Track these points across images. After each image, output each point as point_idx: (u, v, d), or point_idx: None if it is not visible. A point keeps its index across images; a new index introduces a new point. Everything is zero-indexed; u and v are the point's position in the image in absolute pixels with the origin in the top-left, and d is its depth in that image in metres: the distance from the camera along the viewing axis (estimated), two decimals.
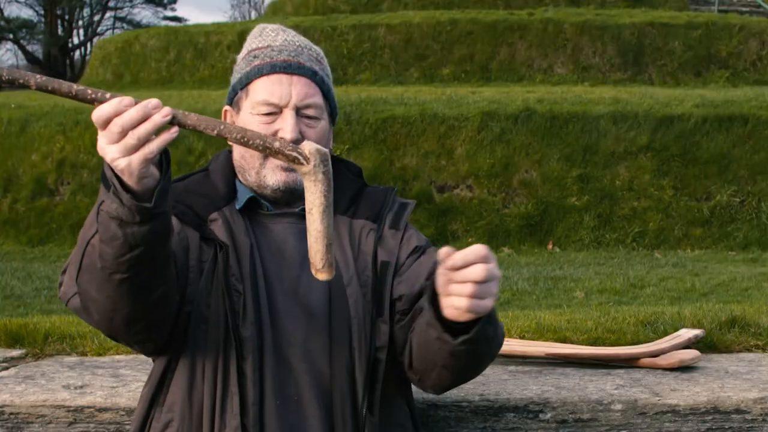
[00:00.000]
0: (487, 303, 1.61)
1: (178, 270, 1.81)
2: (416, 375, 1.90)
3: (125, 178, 1.53)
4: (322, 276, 1.56)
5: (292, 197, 1.97)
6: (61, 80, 1.47)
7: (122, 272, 1.62)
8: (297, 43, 2.02)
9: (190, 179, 2.03)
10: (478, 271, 1.57)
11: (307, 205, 1.55)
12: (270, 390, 1.84)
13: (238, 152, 2.00)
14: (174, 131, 1.51)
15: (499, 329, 1.83)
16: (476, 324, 1.67)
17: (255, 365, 1.83)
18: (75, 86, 1.47)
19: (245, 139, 1.51)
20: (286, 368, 1.86)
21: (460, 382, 1.95)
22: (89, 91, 1.47)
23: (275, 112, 1.95)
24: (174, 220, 1.84)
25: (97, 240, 1.63)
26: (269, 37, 2.03)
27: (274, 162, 1.94)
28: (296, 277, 1.91)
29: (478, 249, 1.58)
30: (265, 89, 1.96)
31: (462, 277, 1.58)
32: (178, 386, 1.87)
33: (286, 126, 1.92)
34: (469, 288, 1.58)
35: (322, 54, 2.07)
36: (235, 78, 2.04)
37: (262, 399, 1.83)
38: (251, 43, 2.05)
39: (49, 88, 1.46)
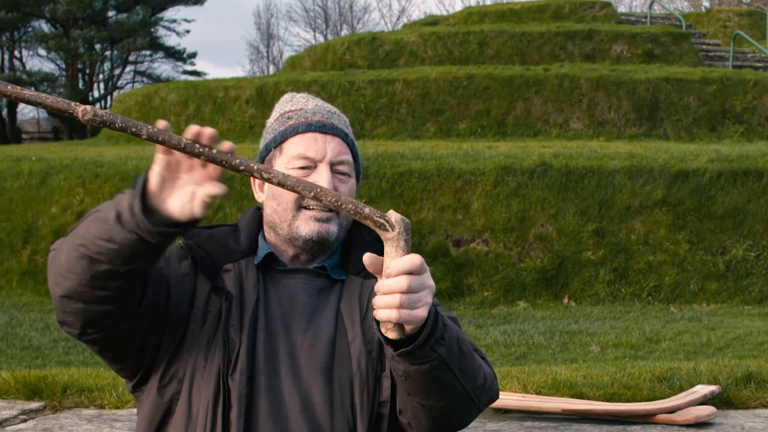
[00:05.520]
0: (418, 312, 1.62)
1: (155, 305, 1.87)
2: (405, 419, 1.91)
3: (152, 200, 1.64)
4: (392, 335, 1.64)
5: (321, 249, 2.02)
6: (171, 133, 1.57)
7: (86, 247, 1.70)
8: (327, 108, 2.12)
9: (218, 229, 2.09)
10: (403, 281, 1.59)
11: (385, 269, 1.64)
12: None
13: (270, 207, 2.05)
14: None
15: (466, 359, 1.81)
16: (417, 339, 1.67)
17: (240, 414, 1.87)
18: (184, 139, 1.56)
19: (339, 203, 1.61)
20: (283, 418, 1.89)
21: (440, 422, 1.89)
22: (197, 146, 1.57)
23: (310, 166, 2.02)
24: (187, 264, 1.96)
25: (98, 216, 1.72)
26: (300, 102, 2.13)
27: (306, 214, 2.00)
28: (303, 330, 1.95)
29: (410, 258, 1.60)
30: (301, 145, 2.04)
31: (387, 289, 1.60)
32: (177, 431, 1.91)
33: (322, 179, 1.98)
34: (396, 299, 1.60)
35: (348, 122, 2.17)
36: (267, 138, 2.11)
37: None
38: (283, 107, 2.14)
39: (159, 139, 1.55)
